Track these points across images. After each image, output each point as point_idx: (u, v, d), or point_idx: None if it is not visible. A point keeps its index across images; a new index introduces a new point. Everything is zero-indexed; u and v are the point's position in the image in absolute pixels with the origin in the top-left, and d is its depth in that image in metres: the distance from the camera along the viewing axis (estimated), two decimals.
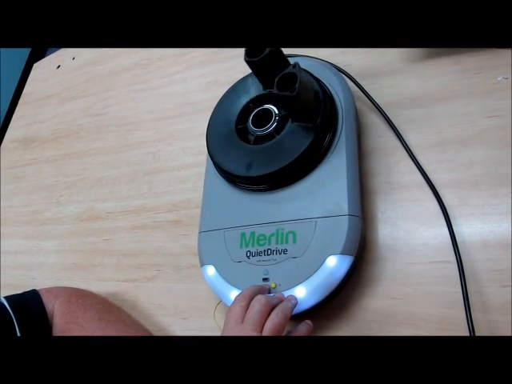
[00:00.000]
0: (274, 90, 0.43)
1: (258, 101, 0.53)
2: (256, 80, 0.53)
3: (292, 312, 0.42)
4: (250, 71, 0.57)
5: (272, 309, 0.40)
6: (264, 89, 0.53)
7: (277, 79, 0.44)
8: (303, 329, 0.42)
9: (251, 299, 0.41)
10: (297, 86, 0.42)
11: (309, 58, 0.57)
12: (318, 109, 0.47)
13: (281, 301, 0.42)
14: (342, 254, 0.42)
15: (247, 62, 0.48)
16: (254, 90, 0.54)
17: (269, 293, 0.44)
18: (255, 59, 0.47)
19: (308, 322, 0.43)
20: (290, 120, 0.49)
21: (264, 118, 0.51)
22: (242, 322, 0.39)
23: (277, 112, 0.50)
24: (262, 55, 0.46)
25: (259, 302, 0.40)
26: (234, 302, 0.42)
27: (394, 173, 0.50)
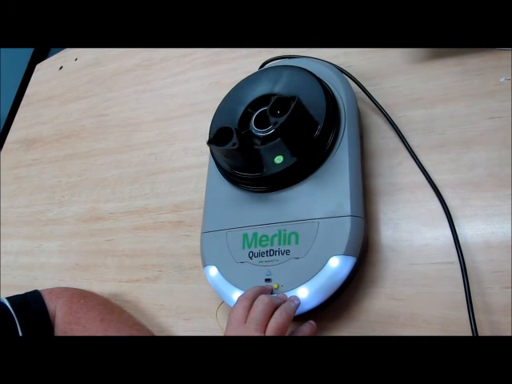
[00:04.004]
0: None
1: (259, 102, 0.53)
2: (259, 81, 0.53)
3: (295, 312, 0.42)
4: (251, 72, 0.57)
5: (275, 309, 0.40)
6: None
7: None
8: (307, 329, 0.42)
9: (254, 300, 0.41)
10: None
11: (311, 58, 0.57)
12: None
13: (283, 301, 0.42)
14: (344, 254, 0.42)
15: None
16: (257, 90, 0.54)
17: (271, 293, 0.44)
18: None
19: (311, 322, 0.43)
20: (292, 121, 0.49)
21: (266, 118, 0.51)
22: (245, 322, 0.39)
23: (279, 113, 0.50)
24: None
25: (262, 301, 0.40)
26: (236, 302, 0.42)
27: (396, 174, 0.50)
